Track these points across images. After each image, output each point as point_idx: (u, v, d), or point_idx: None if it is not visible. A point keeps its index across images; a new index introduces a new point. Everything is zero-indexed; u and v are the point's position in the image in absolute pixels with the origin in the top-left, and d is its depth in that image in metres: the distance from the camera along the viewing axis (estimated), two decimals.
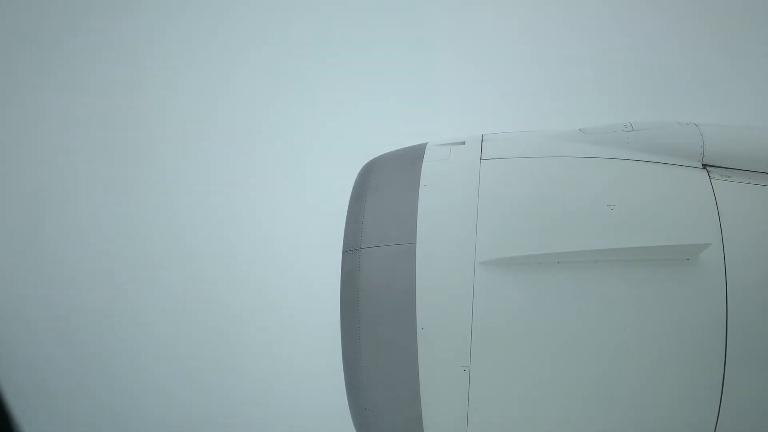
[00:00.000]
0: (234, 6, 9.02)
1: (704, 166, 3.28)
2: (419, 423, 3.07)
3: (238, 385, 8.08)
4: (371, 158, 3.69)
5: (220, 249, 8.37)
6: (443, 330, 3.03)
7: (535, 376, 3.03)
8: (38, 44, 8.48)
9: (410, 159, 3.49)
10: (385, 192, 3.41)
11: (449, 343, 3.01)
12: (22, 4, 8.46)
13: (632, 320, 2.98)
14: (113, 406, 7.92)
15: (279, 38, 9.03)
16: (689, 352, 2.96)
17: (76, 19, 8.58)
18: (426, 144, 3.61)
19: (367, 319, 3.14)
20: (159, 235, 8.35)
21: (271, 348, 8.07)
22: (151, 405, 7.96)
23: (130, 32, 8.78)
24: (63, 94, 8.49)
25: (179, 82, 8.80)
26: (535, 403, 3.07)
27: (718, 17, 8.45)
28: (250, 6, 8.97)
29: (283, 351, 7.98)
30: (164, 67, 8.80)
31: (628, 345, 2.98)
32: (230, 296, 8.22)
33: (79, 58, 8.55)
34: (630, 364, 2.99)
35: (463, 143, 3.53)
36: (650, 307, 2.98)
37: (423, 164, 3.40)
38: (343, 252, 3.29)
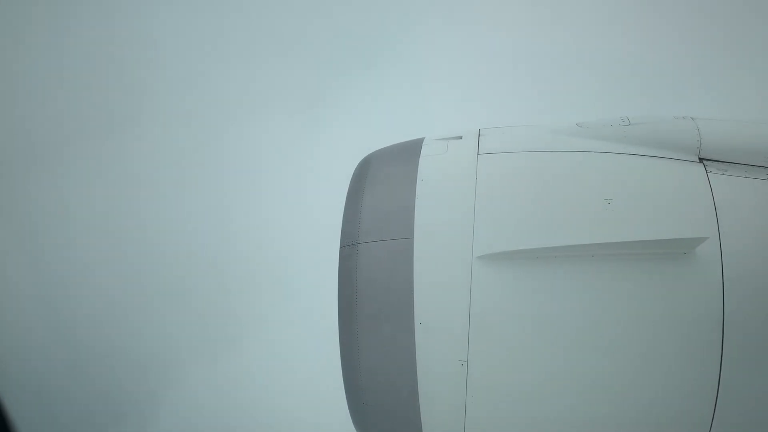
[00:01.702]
0: (234, 5, 9.00)
1: (701, 160, 3.29)
2: (417, 417, 3.08)
3: (235, 381, 8.08)
4: (368, 153, 3.69)
5: (217, 245, 8.37)
6: (441, 325, 3.03)
7: (533, 370, 3.04)
8: (34, 43, 8.45)
9: (407, 154, 3.49)
10: (382, 187, 3.41)
11: (447, 337, 3.02)
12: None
13: (629, 314, 2.99)
14: (111, 407, 7.92)
15: (276, 36, 9.01)
16: (686, 345, 2.97)
17: (73, 20, 8.56)
18: (423, 139, 3.60)
19: (365, 314, 3.14)
20: (156, 234, 8.34)
21: (268, 343, 8.07)
22: (150, 404, 7.96)
23: (128, 31, 8.75)
24: (62, 96, 8.46)
25: (175, 82, 8.78)
26: (533, 398, 3.08)
27: (716, 12, 8.45)
28: (250, 5, 8.95)
29: (280, 346, 7.99)
30: (162, 67, 8.78)
31: (626, 339, 2.99)
32: (227, 292, 8.22)
33: (77, 59, 8.52)
34: (627, 358, 3.00)
35: (460, 138, 3.52)
36: (647, 301, 2.99)
37: (420, 159, 3.40)
38: (341, 247, 3.29)
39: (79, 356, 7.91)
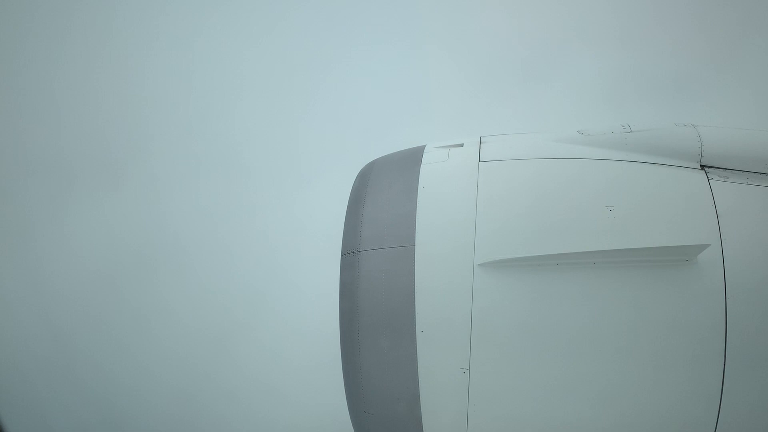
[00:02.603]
0: (236, 8, 9.03)
1: (702, 167, 3.29)
2: (419, 425, 3.07)
3: (238, 388, 8.06)
4: (370, 160, 3.69)
5: (219, 252, 8.36)
6: (442, 332, 3.02)
7: (535, 378, 3.03)
8: (33, 42, 8.47)
9: (409, 161, 3.50)
10: (383, 194, 3.41)
11: (448, 345, 3.01)
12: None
13: (631, 321, 2.98)
14: (108, 410, 7.89)
15: (277, 42, 9.03)
16: (689, 352, 2.96)
17: (74, 20, 8.59)
18: (424, 146, 3.61)
19: (366, 321, 3.13)
20: (157, 239, 8.34)
21: (270, 351, 8.05)
22: (150, 407, 7.94)
23: (129, 31, 8.77)
24: (61, 96, 8.48)
25: (178, 84, 8.79)
26: (535, 405, 3.06)
27: (717, 20, 8.47)
28: (253, 8, 8.98)
29: (282, 354, 7.97)
30: (164, 67, 8.80)
31: (628, 346, 2.98)
32: (229, 300, 8.21)
33: (78, 61, 8.55)
34: (629, 365, 2.99)
35: (462, 145, 3.53)
36: (649, 308, 2.99)
37: (421, 166, 3.41)
38: (342, 255, 3.29)
39: (76, 360, 7.88)
